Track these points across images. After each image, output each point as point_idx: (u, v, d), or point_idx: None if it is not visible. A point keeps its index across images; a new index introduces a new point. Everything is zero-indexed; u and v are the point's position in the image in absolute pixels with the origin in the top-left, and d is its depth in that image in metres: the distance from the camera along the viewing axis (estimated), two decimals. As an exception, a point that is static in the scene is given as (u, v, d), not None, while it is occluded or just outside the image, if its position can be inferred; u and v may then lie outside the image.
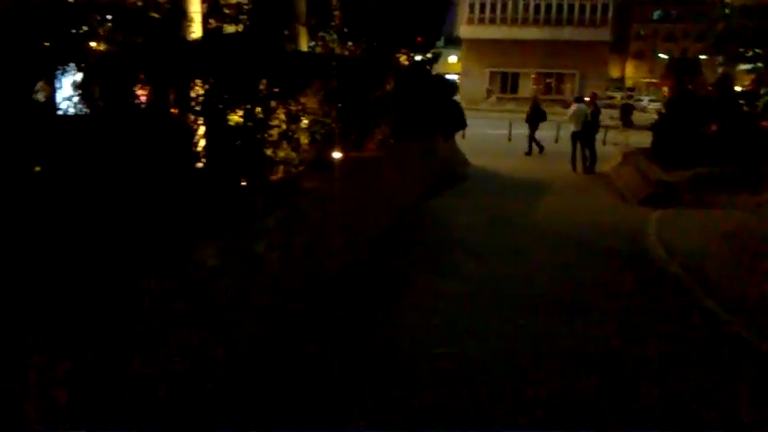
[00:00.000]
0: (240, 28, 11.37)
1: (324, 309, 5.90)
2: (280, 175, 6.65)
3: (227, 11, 11.40)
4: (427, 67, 14.23)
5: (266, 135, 6.38)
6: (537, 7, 50.80)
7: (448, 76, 21.79)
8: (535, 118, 19.03)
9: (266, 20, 10.72)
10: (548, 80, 51.82)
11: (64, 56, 5.39)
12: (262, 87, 6.01)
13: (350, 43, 12.02)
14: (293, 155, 6.76)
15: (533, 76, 51.53)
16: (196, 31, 7.03)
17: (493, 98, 48.77)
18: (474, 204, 11.28)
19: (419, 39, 12.59)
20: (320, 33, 10.97)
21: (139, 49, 5.76)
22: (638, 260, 7.96)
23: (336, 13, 10.30)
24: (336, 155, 8.58)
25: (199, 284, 4.35)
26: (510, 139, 23.33)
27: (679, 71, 27.83)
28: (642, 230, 9.27)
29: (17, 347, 2.91)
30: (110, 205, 5.11)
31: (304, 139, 6.83)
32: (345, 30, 10.37)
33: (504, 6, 51.47)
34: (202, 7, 6.92)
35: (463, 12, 52.56)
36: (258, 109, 6.02)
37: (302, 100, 6.56)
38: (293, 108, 6.31)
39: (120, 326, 3.54)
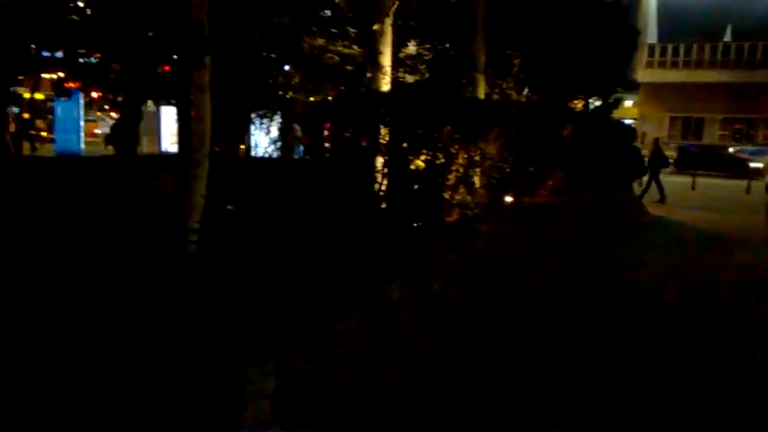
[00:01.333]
0: (418, 78, 11.98)
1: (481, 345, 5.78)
2: (455, 217, 6.86)
3: (408, 62, 12.10)
4: (608, 112, 13.86)
5: (445, 179, 6.65)
6: (726, 49, 47.37)
7: (625, 121, 21.01)
8: (657, 163, 17.62)
9: (445, 70, 11.19)
10: (736, 125, 47.77)
11: (264, 103, 6.06)
12: (444, 134, 6.30)
13: (526, 90, 12.14)
14: (469, 198, 6.94)
15: (720, 120, 47.80)
16: (387, 81, 7.59)
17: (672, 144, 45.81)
18: (652, 258, 10.35)
19: (600, 84, 12.34)
20: (498, 81, 11.21)
21: (334, 99, 6.31)
22: None
23: (516, 61, 10.47)
24: (509, 199, 8.65)
25: (382, 315, 4.60)
26: (694, 188, 21.83)
27: None
28: None
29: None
30: (301, 240, 5.60)
31: (479, 184, 7.01)
32: (522, 76, 10.49)
33: (688, 49, 48.60)
34: (391, 62, 7.46)
35: (642, 55, 50.37)
36: (440, 154, 6.30)
37: (481, 145, 6.77)
38: (473, 154, 6.53)
39: (318, 345, 3.85)
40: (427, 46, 12.20)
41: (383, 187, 6.95)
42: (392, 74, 10.97)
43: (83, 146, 19.91)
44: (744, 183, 20.23)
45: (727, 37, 48.09)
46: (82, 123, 19.58)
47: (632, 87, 52.33)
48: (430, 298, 5.15)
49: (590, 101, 14.76)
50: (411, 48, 12.55)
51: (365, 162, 6.81)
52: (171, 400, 3.14)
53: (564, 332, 6.24)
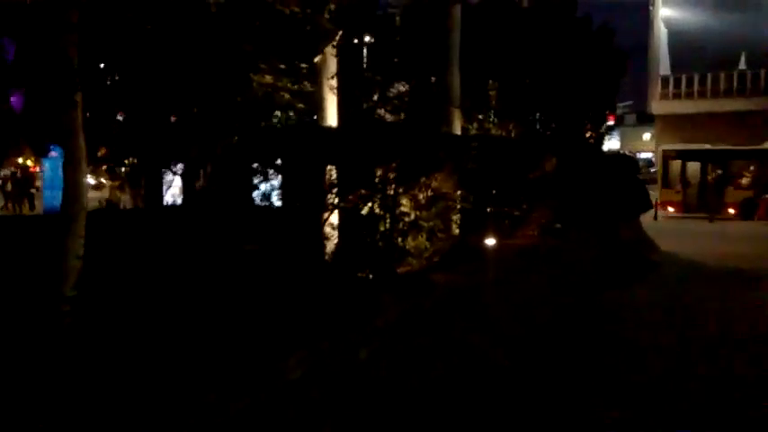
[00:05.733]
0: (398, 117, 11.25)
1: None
2: (410, 266, 6.00)
3: (396, 101, 11.40)
4: (600, 142, 12.96)
5: (395, 223, 5.82)
6: (741, 78, 46.28)
7: (642, 155, 20.29)
8: None
9: (422, 105, 10.47)
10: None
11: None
12: (386, 172, 5.50)
13: (511, 125, 11.34)
14: (426, 244, 6.08)
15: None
16: (332, 116, 6.84)
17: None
18: (657, 303, 9.00)
19: (588, 113, 11.49)
20: (477, 114, 10.44)
21: (260, 137, 5.56)
22: None
23: (492, 93, 9.72)
24: (492, 242, 7.77)
25: (275, 398, 3.72)
26: (711, 221, 20.73)
27: None
28: None
29: None
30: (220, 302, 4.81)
31: (440, 227, 6.16)
32: (499, 109, 9.72)
33: (703, 79, 47.59)
34: (338, 97, 6.72)
35: (655, 87, 49.60)
36: (379, 195, 5.50)
37: (434, 185, 5.94)
38: (421, 194, 5.70)
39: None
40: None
41: (329, 235, 6.14)
42: (376, 113, 10.20)
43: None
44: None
45: (742, 65, 47.18)
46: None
47: (649, 120, 51.31)
48: (346, 373, 4.25)
49: (589, 132, 13.90)
50: (401, 87, 11.90)
51: (307, 207, 6.02)
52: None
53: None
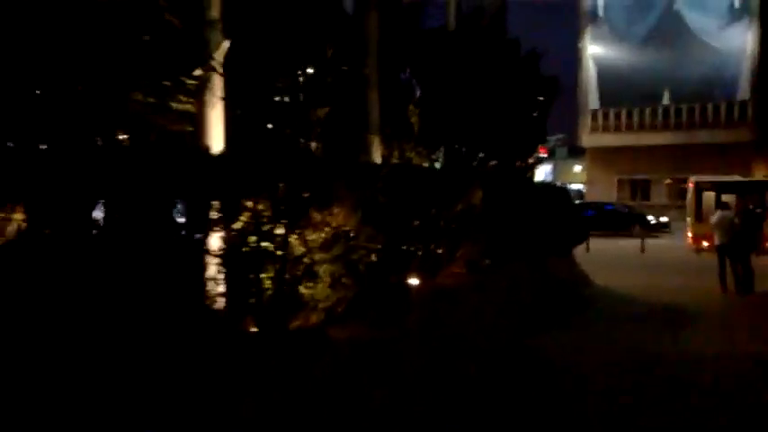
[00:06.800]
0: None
1: None
2: (305, 320, 4.99)
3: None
4: (528, 173, 12.37)
5: (285, 269, 4.83)
6: (665, 112, 47.92)
7: (573, 186, 19.89)
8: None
9: (340, 131, 9.57)
10: (683, 185, 47.87)
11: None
12: (260, 207, 4.52)
13: (435, 155, 10.55)
14: (327, 292, 5.10)
15: (667, 182, 47.84)
16: (218, 139, 5.79)
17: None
18: (588, 347, 8.25)
19: (516, 142, 10.87)
20: (401, 143, 9.62)
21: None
22: None
23: (413, 119, 8.92)
24: (410, 283, 6.87)
25: None
26: (643, 250, 20.60)
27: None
28: None
29: None
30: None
31: (340, 272, 5.18)
32: (423, 137, 8.92)
33: (630, 113, 49.03)
34: (223, 115, 5.71)
35: (584, 121, 50.79)
36: (253, 237, 4.52)
37: (334, 222, 4.97)
38: (314, 233, 4.73)
39: None
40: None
41: (216, 281, 5.07)
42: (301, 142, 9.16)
43: None
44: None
45: (666, 100, 49.08)
46: None
47: (580, 153, 52.38)
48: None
49: (520, 163, 13.31)
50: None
51: (187, 247, 4.96)
52: None
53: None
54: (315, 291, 4.83)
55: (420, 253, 7.05)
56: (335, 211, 4.85)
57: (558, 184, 35.56)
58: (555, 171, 60.45)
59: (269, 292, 4.70)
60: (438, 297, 6.86)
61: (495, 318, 7.80)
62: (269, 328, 4.58)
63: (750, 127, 45.55)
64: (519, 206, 9.72)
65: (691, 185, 23.91)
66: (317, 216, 4.68)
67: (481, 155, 10.05)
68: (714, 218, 13.60)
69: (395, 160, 9.25)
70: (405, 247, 6.60)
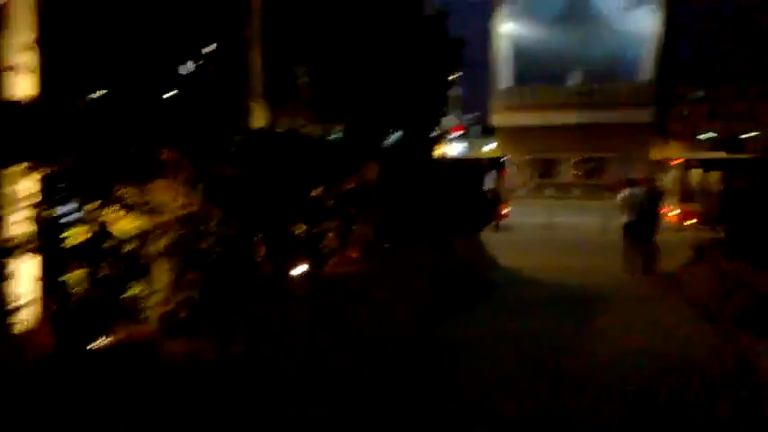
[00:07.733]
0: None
1: None
2: (138, 331, 3.87)
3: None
4: (430, 147, 11.54)
5: (100, 263, 3.68)
6: (572, 92, 48.78)
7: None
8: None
9: (218, 94, 8.34)
10: (589, 164, 49.26)
11: None
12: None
13: (338, 126, 9.51)
14: (161, 296, 3.98)
15: (574, 161, 49.00)
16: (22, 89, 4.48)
17: (531, 184, 46.31)
18: (492, 335, 7.57)
19: (416, 112, 9.95)
20: (289, 108, 8.52)
21: None
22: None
23: (301, 81, 7.84)
24: (304, 268, 5.85)
25: None
26: (551, 228, 20.47)
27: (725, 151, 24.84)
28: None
29: None
30: None
31: (182, 267, 4.06)
32: (313, 104, 7.87)
33: (539, 92, 49.60)
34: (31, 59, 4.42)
35: (495, 100, 51.08)
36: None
37: (153, 198, 3.81)
38: (111, 215, 3.56)
39: None
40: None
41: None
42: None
43: None
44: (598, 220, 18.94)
45: (575, 80, 50.03)
46: None
47: (492, 131, 52.58)
48: None
49: (429, 137, 12.46)
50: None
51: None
52: None
53: None
54: (141, 291, 3.71)
55: (303, 237, 6.03)
56: (156, 185, 3.70)
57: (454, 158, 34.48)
58: (470, 149, 60.72)
59: (76, 296, 3.54)
60: (322, 289, 5.87)
61: (390, 309, 6.88)
62: (72, 346, 3.44)
63: (649, 109, 47.21)
64: (422, 183, 8.85)
65: (678, 162, 24.17)
66: (128, 192, 3.53)
67: (379, 126, 9.09)
68: (622, 195, 13.27)
69: (280, 129, 8.16)
70: (285, 232, 5.55)
